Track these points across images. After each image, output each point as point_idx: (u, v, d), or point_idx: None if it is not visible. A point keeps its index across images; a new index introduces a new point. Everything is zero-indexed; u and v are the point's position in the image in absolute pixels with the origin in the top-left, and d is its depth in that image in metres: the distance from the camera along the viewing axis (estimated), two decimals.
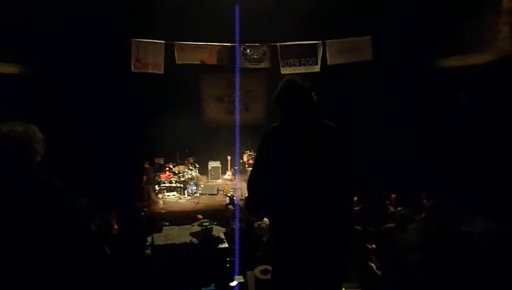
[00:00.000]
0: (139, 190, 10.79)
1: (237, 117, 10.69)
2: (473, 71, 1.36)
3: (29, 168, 1.97)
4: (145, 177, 10.93)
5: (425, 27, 9.36)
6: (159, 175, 11.46)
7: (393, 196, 8.69)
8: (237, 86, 9.84)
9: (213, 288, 3.20)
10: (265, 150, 2.41)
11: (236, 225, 5.09)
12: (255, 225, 6.15)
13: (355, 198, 8.14)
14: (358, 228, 3.92)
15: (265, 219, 7.16)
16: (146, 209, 9.25)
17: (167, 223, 6.10)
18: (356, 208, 7.76)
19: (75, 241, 2.00)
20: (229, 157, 12.43)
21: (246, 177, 12.47)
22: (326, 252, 2.26)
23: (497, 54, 1.37)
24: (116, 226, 4.88)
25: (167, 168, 11.61)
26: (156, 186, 11.31)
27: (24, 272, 1.86)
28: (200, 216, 7.16)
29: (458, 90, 1.40)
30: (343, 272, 2.42)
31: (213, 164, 12.60)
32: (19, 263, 1.85)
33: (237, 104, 11.80)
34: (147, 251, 3.16)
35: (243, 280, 3.44)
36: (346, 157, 2.39)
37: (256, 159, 2.53)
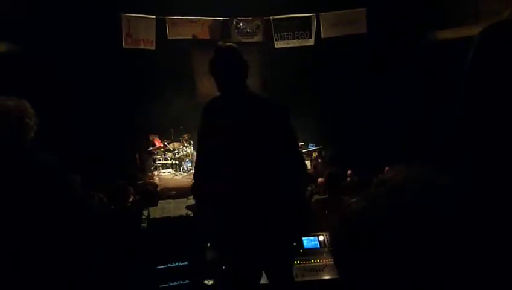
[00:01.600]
0: (133, 165, 10.81)
1: None
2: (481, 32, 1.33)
3: (22, 144, 1.91)
4: (137, 155, 10.92)
5: None
6: (153, 150, 11.42)
7: (386, 168, 8.76)
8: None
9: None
10: (207, 130, 2.27)
11: None
12: None
13: (349, 171, 8.24)
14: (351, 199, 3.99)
15: None
16: (142, 182, 9.26)
17: (173, 192, 6.10)
18: (349, 179, 7.85)
19: (71, 217, 1.99)
20: None
21: None
22: (280, 233, 2.13)
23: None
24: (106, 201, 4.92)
25: (155, 143, 11.56)
26: (152, 162, 11.32)
27: (18, 251, 1.82)
28: None
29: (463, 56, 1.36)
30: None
31: None
32: (12, 242, 1.82)
33: None
34: (142, 224, 3.19)
35: None
36: (291, 130, 2.31)
37: (199, 142, 2.35)
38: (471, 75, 1.30)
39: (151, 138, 11.68)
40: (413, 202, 0.60)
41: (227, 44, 2.39)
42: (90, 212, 2.26)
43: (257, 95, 2.37)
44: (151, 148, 11.38)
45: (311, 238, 2.86)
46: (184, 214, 3.15)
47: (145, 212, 3.27)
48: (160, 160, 11.47)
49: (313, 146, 12.40)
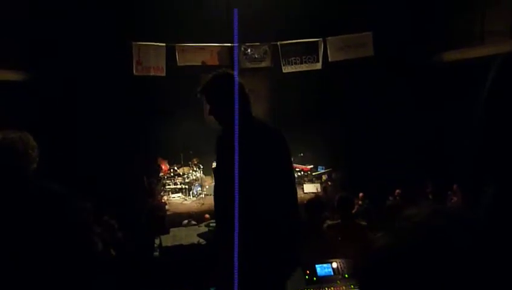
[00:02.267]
0: (144, 191, 10.83)
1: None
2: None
3: (25, 175, 1.97)
4: (145, 178, 10.97)
5: (425, 21, 9.36)
6: (162, 175, 11.47)
7: (397, 191, 8.68)
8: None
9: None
10: (216, 157, 2.34)
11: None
12: None
13: (360, 194, 8.16)
14: (363, 223, 3.94)
15: None
16: (155, 210, 9.25)
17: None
18: (360, 202, 7.77)
19: (75, 247, 2.00)
20: None
21: None
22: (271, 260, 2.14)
23: None
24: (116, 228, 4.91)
25: (162, 166, 11.62)
26: (162, 187, 11.34)
27: (24, 276, 1.84)
28: (207, 216, 7.16)
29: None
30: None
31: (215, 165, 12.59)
32: (19, 269, 1.84)
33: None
34: (155, 253, 3.18)
35: None
36: (286, 159, 2.31)
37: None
38: (491, 101, 1.26)
39: (159, 162, 11.76)
40: (438, 237, 0.61)
41: (221, 71, 2.39)
42: (94, 244, 2.25)
43: (260, 122, 2.36)
44: (160, 175, 11.45)
45: (325, 265, 2.79)
46: (196, 242, 3.13)
47: (157, 241, 3.26)
48: (169, 184, 11.49)
49: (322, 169, 12.34)
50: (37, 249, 1.86)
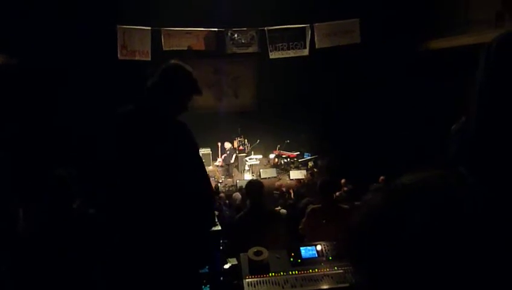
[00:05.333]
0: None
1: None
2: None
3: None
4: None
5: (411, 9, 9.39)
6: None
7: (381, 177, 8.79)
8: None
9: (207, 271, 3.24)
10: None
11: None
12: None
13: (342, 180, 8.25)
14: (345, 206, 3.98)
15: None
16: None
17: None
18: (345, 188, 7.87)
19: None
20: (219, 144, 12.42)
21: (237, 163, 12.53)
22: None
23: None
24: None
25: None
26: None
27: None
28: None
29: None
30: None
31: (203, 151, 12.57)
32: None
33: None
34: None
35: (236, 262, 3.49)
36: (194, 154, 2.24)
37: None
38: (485, 86, 1.26)
39: None
40: (444, 197, 0.59)
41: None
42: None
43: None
44: None
45: (309, 247, 2.85)
46: None
47: None
48: None
49: (308, 155, 12.44)
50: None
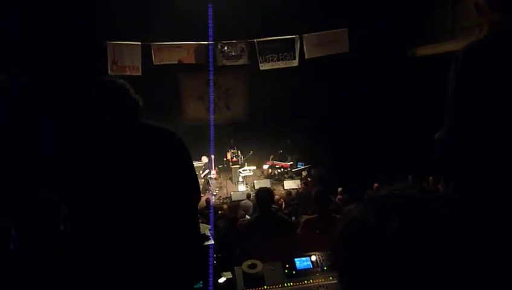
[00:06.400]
0: None
1: (211, 116, 10.68)
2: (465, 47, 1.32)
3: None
4: None
5: (398, 17, 9.53)
6: None
7: (375, 185, 8.81)
8: (211, 84, 9.86)
9: (201, 286, 3.19)
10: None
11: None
12: (239, 222, 6.17)
13: (339, 189, 8.26)
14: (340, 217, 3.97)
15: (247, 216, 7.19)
16: None
17: None
18: (340, 196, 7.87)
19: None
20: (212, 156, 12.37)
21: (231, 175, 12.48)
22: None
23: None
24: None
25: None
26: None
27: None
28: None
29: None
30: None
31: (196, 164, 12.52)
32: None
33: (212, 102, 11.80)
34: None
35: (230, 276, 3.45)
36: (185, 161, 2.25)
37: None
38: (455, 95, 1.30)
39: None
40: (417, 208, 0.61)
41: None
42: None
43: (148, 125, 2.31)
44: None
45: (304, 258, 2.82)
46: None
47: None
48: None
49: (302, 165, 12.44)
50: None
